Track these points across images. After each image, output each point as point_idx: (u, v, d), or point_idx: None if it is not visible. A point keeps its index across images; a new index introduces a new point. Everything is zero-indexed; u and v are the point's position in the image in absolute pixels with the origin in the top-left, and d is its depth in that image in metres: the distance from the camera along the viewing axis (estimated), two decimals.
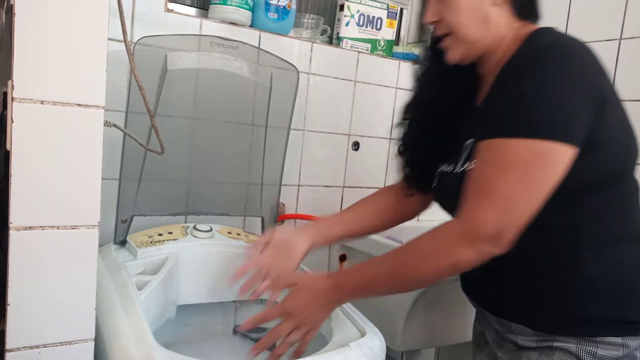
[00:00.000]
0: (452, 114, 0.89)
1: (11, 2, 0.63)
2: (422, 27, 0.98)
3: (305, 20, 1.51)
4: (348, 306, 1.00)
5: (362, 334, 0.90)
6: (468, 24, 0.82)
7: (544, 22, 1.54)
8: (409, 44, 1.75)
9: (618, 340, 0.75)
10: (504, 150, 0.71)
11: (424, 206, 1.08)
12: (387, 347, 0.92)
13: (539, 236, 0.77)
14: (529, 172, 0.70)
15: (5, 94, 0.68)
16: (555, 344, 0.78)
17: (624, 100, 1.33)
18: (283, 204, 1.48)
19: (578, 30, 1.46)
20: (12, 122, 0.63)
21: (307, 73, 1.48)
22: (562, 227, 0.78)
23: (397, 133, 1.02)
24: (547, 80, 0.71)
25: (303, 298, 0.85)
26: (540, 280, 0.80)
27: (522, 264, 0.81)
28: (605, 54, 1.37)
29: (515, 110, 0.72)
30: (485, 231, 0.71)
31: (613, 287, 0.77)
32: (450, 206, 0.86)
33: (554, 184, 0.71)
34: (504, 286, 0.84)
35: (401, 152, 1.01)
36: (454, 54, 0.85)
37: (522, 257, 0.79)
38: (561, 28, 1.49)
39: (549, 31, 0.80)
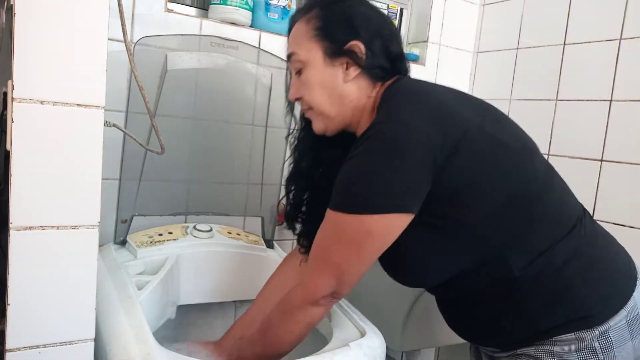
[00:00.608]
0: (333, 177, 0.88)
1: (11, 2, 0.63)
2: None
3: None
4: (348, 306, 1.00)
5: (362, 334, 0.90)
6: (323, 102, 0.86)
7: (545, 22, 1.55)
8: (409, 44, 1.76)
9: (571, 336, 0.77)
10: (336, 223, 0.78)
11: None
12: (387, 347, 0.92)
13: (472, 274, 0.81)
14: (359, 244, 0.77)
15: (5, 94, 0.68)
16: (518, 350, 0.82)
17: (624, 100, 1.34)
18: (283, 204, 1.48)
19: (578, 30, 1.47)
20: (12, 122, 0.63)
21: None
22: (485, 263, 0.80)
23: (288, 210, 1.02)
24: (375, 158, 0.74)
25: None
26: (488, 309, 0.83)
27: (469, 299, 0.85)
28: (605, 54, 1.38)
29: (343, 187, 0.78)
30: (323, 294, 0.80)
31: (553, 293, 0.78)
32: None
33: (384, 248, 0.78)
34: (462, 320, 0.90)
35: (290, 225, 1.03)
36: (317, 127, 0.90)
37: (466, 293, 0.84)
38: (561, 28, 1.50)
39: (392, 94, 0.82)
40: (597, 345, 0.76)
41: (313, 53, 0.84)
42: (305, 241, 1.01)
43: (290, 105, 0.99)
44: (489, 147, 0.77)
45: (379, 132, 0.75)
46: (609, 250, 0.84)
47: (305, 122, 0.95)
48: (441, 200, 0.75)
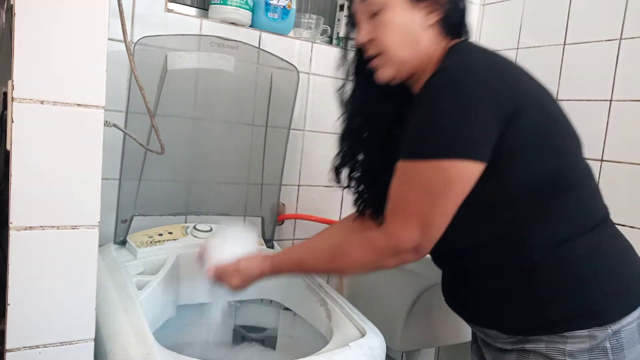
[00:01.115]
0: (389, 135, 0.90)
1: (11, 2, 0.63)
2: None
3: (305, 20, 1.51)
4: (348, 306, 1.00)
5: (362, 334, 0.90)
6: (400, 45, 0.84)
7: (545, 22, 1.54)
8: None
9: (584, 332, 0.76)
10: (413, 173, 0.77)
11: None
12: (387, 347, 0.92)
13: (491, 247, 0.81)
14: (438, 193, 0.76)
15: (5, 94, 0.68)
16: (527, 346, 0.81)
17: (624, 100, 1.34)
18: (283, 204, 1.48)
19: (578, 30, 1.46)
20: (12, 122, 0.63)
21: (307, 73, 1.48)
22: (510, 235, 0.80)
23: (336, 163, 1.01)
24: (448, 103, 0.74)
25: (236, 281, 0.96)
26: (500, 288, 0.82)
27: (481, 275, 0.84)
28: (605, 54, 1.38)
29: (420, 133, 0.77)
30: (407, 246, 0.79)
31: (570, 283, 0.78)
32: None
33: (463, 198, 0.76)
34: (471, 296, 0.88)
35: (348, 185, 1.02)
36: (384, 74, 0.87)
37: (480, 268, 0.84)
38: (561, 28, 1.50)
39: (459, 48, 0.83)
40: (608, 345, 0.76)
41: None
42: (360, 200, 1.01)
43: (345, 56, 0.97)
44: (545, 121, 0.79)
45: (450, 77, 0.76)
46: (628, 253, 0.84)
47: (359, 77, 0.94)
48: (494, 159, 0.75)
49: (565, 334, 0.77)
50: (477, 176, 0.75)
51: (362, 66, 0.92)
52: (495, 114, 0.74)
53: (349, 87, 0.97)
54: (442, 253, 0.90)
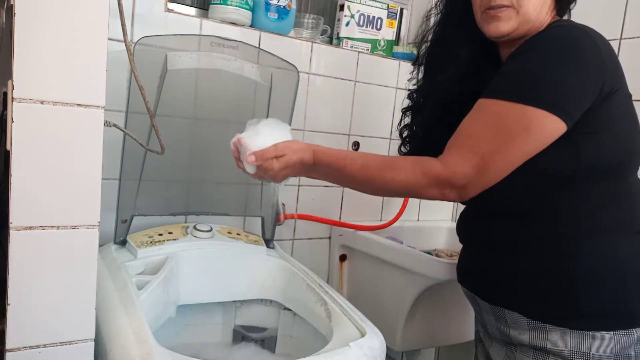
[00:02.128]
0: (464, 107, 0.87)
1: (11, 2, 0.63)
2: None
3: (305, 20, 1.51)
4: (348, 306, 1.00)
5: (362, 334, 0.90)
6: (533, 3, 0.83)
7: None
8: (409, 44, 1.75)
9: (610, 335, 0.75)
10: (494, 110, 0.75)
11: None
12: (387, 347, 0.92)
13: (538, 220, 0.80)
14: (512, 137, 0.73)
15: (5, 94, 0.68)
16: (549, 345, 0.79)
17: None
18: (283, 204, 1.48)
19: None
20: (12, 122, 0.63)
21: (307, 73, 1.48)
22: (562, 213, 0.79)
23: (403, 123, 1.01)
24: (553, 56, 0.74)
25: (277, 165, 0.89)
26: (536, 267, 0.81)
27: (519, 250, 0.82)
28: None
29: (513, 77, 0.76)
30: (457, 182, 0.76)
31: (607, 278, 0.77)
32: None
33: (533, 153, 0.75)
34: (499, 272, 0.86)
35: (410, 141, 1.01)
36: (507, 26, 0.84)
37: (520, 242, 0.82)
38: None
39: (566, 21, 0.84)
40: (632, 353, 0.75)
41: None
42: (412, 146, 1.01)
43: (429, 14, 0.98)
44: (630, 111, 0.81)
45: (562, 34, 0.76)
46: None
47: (450, 37, 0.94)
48: (580, 127, 0.74)
49: (590, 332, 0.76)
50: (558, 134, 0.74)
51: (456, 17, 0.92)
52: (596, 84, 0.74)
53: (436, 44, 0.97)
54: (482, 215, 0.89)
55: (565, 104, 0.73)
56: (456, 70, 0.93)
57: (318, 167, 0.89)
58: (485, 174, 0.75)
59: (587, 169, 0.77)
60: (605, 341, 0.75)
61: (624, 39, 1.35)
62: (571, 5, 0.91)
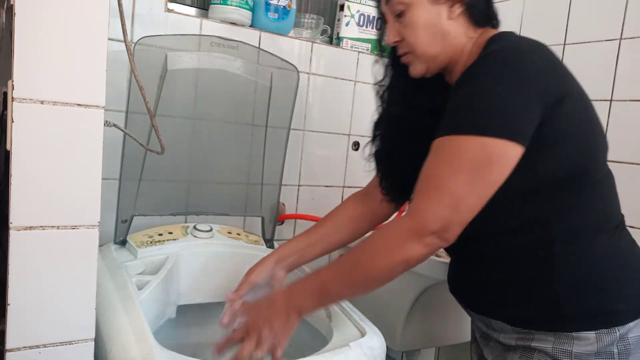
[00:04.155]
0: (423, 125, 0.89)
1: (11, 2, 0.63)
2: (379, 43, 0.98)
3: (305, 20, 1.51)
4: (348, 306, 1.00)
5: (362, 334, 0.90)
6: (427, 41, 0.84)
7: (545, 22, 1.54)
8: None
9: (592, 334, 0.76)
10: (453, 147, 0.74)
11: (395, 210, 1.09)
12: (387, 347, 0.92)
13: (512, 234, 0.80)
14: (477, 171, 0.72)
15: (5, 94, 0.68)
16: (533, 344, 0.80)
17: (624, 100, 1.34)
18: (283, 204, 1.48)
19: (578, 30, 1.46)
20: (12, 122, 0.63)
21: (307, 73, 1.48)
22: (532, 223, 0.79)
23: (369, 150, 1.02)
24: (495, 82, 0.74)
25: (259, 311, 0.82)
26: (514, 276, 0.81)
27: (496, 261, 0.83)
28: (605, 54, 1.38)
29: (464, 109, 0.75)
30: (433, 227, 0.73)
31: (585, 280, 0.78)
32: None
33: (500, 182, 0.74)
34: (481, 283, 0.87)
35: (377, 167, 1.03)
36: (416, 70, 0.88)
37: (496, 254, 0.83)
38: (561, 28, 1.50)
39: (505, 36, 0.83)
40: (615, 350, 0.76)
41: None
42: (387, 183, 1.01)
43: (381, 49, 0.97)
44: (584, 115, 0.79)
45: (500, 58, 0.75)
46: None
47: (394, 71, 0.95)
48: (532, 143, 0.74)
49: (572, 333, 0.76)
50: (517, 160, 0.73)
51: (397, 60, 0.92)
52: (541, 101, 0.73)
53: (388, 79, 0.98)
54: (459, 237, 0.88)
55: (518, 128, 0.73)
56: (402, 103, 0.95)
57: (302, 302, 0.80)
58: (459, 211, 0.73)
59: (548, 180, 0.77)
60: (587, 340, 0.76)
61: (624, 39, 1.35)
62: (494, 11, 0.90)
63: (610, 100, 1.37)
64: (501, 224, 0.81)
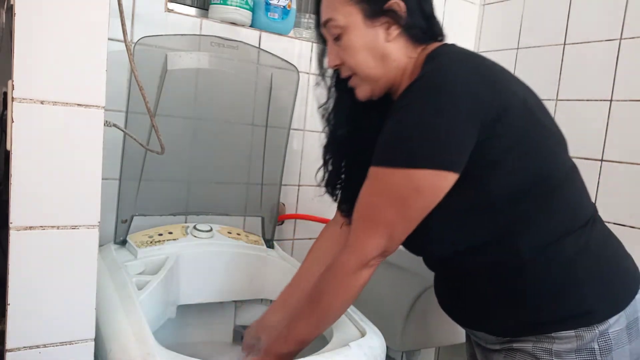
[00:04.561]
0: (373, 145, 0.88)
1: (11, 2, 0.63)
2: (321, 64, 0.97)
3: (305, 20, 1.51)
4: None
5: (362, 334, 0.90)
6: (367, 64, 0.85)
7: (545, 22, 1.55)
8: None
9: (571, 333, 0.76)
10: (383, 180, 0.77)
11: None
12: (387, 347, 0.92)
13: (479, 251, 0.80)
14: (406, 202, 0.76)
15: (5, 94, 0.68)
16: (514, 345, 0.81)
17: (624, 100, 1.34)
18: (283, 204, 1.48)
19: (578, 30, 1.47)
20: (12, 122, 0.63)
21: (307, 73, 1.48)
22: (498, 238, 0.79)
23: (321, 175, 1.01)
24: (423, 111, 0.74)
25: None
26: (490, 291, 0.82)
27: (471, 278, 0.84)
28: (605, 54, 1.38)
29: (391, 141, 0.77)
30: (373, 254, 0.79)
31: (558, 285, 0.78)
32: None
33: (431, 207, 0.76)
34: (460, 299, 0.89)
35: (331, 192, 1.02)
36: (362, 92, 0.88)
37: (469, 271, 0.84)
38: (561, 28, 1.50)
39: (438, 54, 0.82)
40: (596, 346, 0.76)
41: (352, 16, 0.83)
42: (345, 206, 1.01)
43: (322, 73, 0.97)
44: (529, 123, 0.78)
45: (427, 84, 0.75)
46: (617, 252, 0.84)
47: (339, 91, 0.95)
48: (475, 165, 0.74)
49: (552, 334, 0.77)
50: (449, 186, 0.75)
51: (341, 82, 0.92)
52: (475, 121, 0.73)
53: (332, 101, 0.97)
54: (431, 259, 0.91)
55: (445, 156, 0.73)
56: (349, 124, 0.95)
57: (289, 354, 0.87)
58: (393, 238, 0.79)
59: (504, 195, 0.77)
60: (567, 339, 0.76)
61: (624, 39, 1.35)
62: (436, 26, 0.88)
63: (610, 100, 1.38)
64: (467, 243, 0.81)
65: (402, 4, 0.82)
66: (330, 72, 0.95)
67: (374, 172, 0.78)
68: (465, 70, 0.76)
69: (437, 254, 0.88)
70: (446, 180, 0.74)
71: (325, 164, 1.00)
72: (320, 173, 1.01)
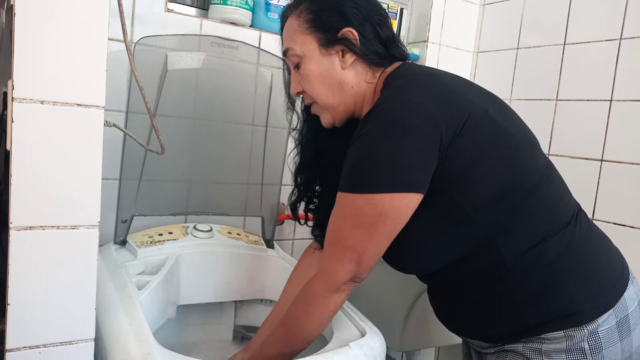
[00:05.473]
0: (340, 167, 0.89)
1: (11, 2, 0.63)
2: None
3: None
4: (348, 306, 1.00)
5: (362, 334, 0.90)
6: (324, 92, 0.87)
7: (545, 22, 1.55)
8: (409, 43, 1.75)
9: (560, 334, 0.76)
10: (347, 205, 0.78)
11: None
12: (387, 347, 0.92)
13: (463, 263, 0.81)
14: (372, 226, 0.76)
15: (5, 94, 0.68)
16: (506, 346, 0.82)
17: (624, 100, 1.34)
18: (283, 204, 1.48)
19: (578, 30, 1.46)
20: (12, 122, 0.63)
21: None
22: (479, 248, 0.79)
23: (292, 198, 1.03)
24: (380, 136, 0.74)
25: None
26: (478, 300, 0.83)
27: (458, 289, 0.85)
28: (605, 54, 1.38)
29: (352, 168, 0.78)
30: (343, 279, 0.79)
31: (543, 288, 0.78)
32: None
33: (398, 228, 0.77)
34: (451, 309, 0.90)
35: (294, 214, 1.03)
36: (324, 120, 0.91)
37: (457, 283, 0.84)
38: (561, 28, 1.50)
39: (396, 78, 0.82)
40: (586, 346, 0.76)
41: (308, 45, 0.85)
42: (318, 230, 1.02)
43: (291, 101, 0.99)
44: (492, 133, 0.78)
45: (383, 110, 0.75)
46: (603, 249, 0.84)
47: (307, 115, 0.97)
48: (442, 182, 0.75)
49: (541, 335, 0.77)
50: (413, 206, 0.76)
51: (308, 108, 0.94)
52: (434, 141, 0.73)
53: (301, 125, 1.00)
54: (418, 274, 0.92)
55: (404, 178, 0.74)
56: (318, 148, 0.97)
57: None
58: (363, 261, 0.78)
59: (476, 208, 0.76)
60: (556, 339, 0.77)
61: (624, 39, 1.35)
62: (396, 47, 0.88)
63: (610, 100, 1.37)
64: (450, 257, 0.81)
65: (355, 32, 0.83)
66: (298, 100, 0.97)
67: (340, 197, 0.79)
68: (419, 93, 0.76)
69: (421, 271, 0.89)
70: (409, 201, 0.75)
71: (295, 185, 1.02)
72: (291, 195, 1.03)
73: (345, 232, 0.78)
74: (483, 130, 0.76)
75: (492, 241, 0.78)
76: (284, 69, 0.98)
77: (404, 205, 0.75)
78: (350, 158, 0.78)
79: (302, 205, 1.03)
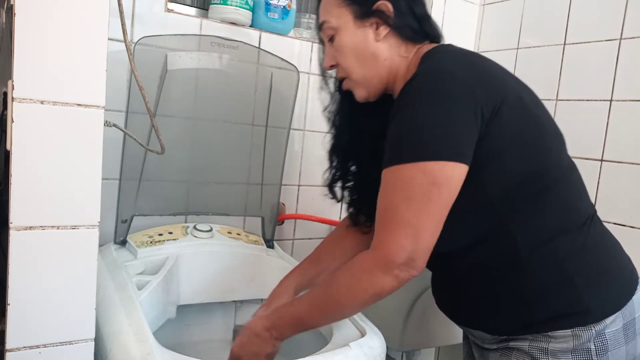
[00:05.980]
0: (376, 148, 0.88)
1: (11, 2, 0.63)
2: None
3: (305, 20, 1.51)
4: None
5: (362, 334, 0.90)
6: (357, 64, 0.87)
7: (545, 22, 1.55)
8: None
9: (568, 332, 0.76)
10: (399, 178, 0.75)
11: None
12: (387, 347, 0.92)
13: (476, 249, 0.81)
14: (426, 197, 0.73)
15: (5, 94, 0.68)
16: (511, 343, 0.81)
17: (624, 100, 1.34)
18: (283, 204, 1.48)
19: (578, 30, 1.46)
20: (12, 122, 0.63)
21: (307, 73, 1.48)
22: (494, 235, 0.79)
23: (329, 179, 1.01)
24: (422, 107, 0.74)
25: (245, 339, 0.90)
26: (486, 288, 0.82)
27: (467, 276, 0.84)
28: (605, 54, 1.38)
29: (399, 139, 0.76)
30: (398, 259, 0.74)
31: (553, 283, 0.78)
32: None
33: (451, 202, 0.75)
34: (457, 297, 0.89)
35: (332, 192, 1.02)
36: (358, 94, 0.90)
37: (466, 270, 0.84)
38: (561, 28, 1.50)
39: (434, 53, 0.83)
40: (592, 347, 0.76)
41: (343, 18, 0.86)
42: (354, 210, 1.01)
43: (325, 78, 0.98)
44: (525, 119, 0.78)
45: (425, 80, 0.75)
46: (614, 253, 0.84)
47: (341, 96, 0.96)
48: (476, 160, 0.74)
49: (548, 333, 0.77)
50: (462, 178, 0.74)
51: (341, 88, 0.94)
52: (477, 115, 0.73)
53: (335, 104, 0.99)
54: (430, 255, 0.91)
55: (454, 147, 0.73)
56: (353, 126, 0.95)
57: (282, 332, 0.86)
58: (420, 238, 0.74)
59: (499, 192, 0.77)
60: (563, 338, 0.76)
61: (624, 39, 1.35)
62: (430, 25, 0.89)
63: (610, 100, 1.38)
64: (464, 240, 0.81)
65: (389, 5, 0.84)
66: (333, 75, 0.96)
67: (387, 173, 0.76)
68: (460, 67, 0.77)
69: (439, 250, 0.85)
70: (459, 171, 0.73)
71: (331, 166, 1.01)
72: (327, 174, 1.01)
73: (398, 205, 0.74)
74: (517, 115, 0.77)
75: (508, 229, 0.78)
76: (318, 42, 0.97)
77: (455, 174, 0.73)
78: (393, 132, 0.77)
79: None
